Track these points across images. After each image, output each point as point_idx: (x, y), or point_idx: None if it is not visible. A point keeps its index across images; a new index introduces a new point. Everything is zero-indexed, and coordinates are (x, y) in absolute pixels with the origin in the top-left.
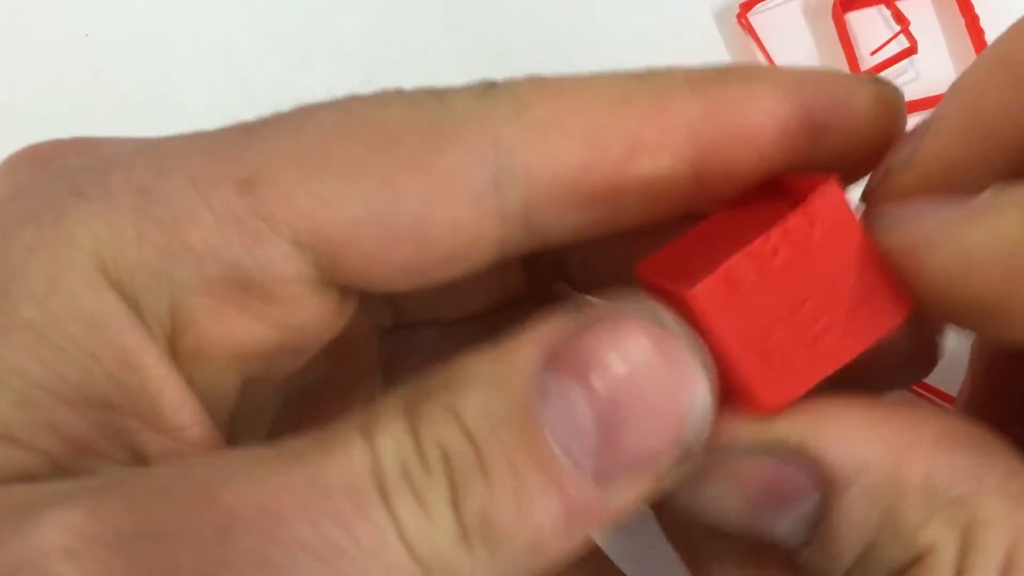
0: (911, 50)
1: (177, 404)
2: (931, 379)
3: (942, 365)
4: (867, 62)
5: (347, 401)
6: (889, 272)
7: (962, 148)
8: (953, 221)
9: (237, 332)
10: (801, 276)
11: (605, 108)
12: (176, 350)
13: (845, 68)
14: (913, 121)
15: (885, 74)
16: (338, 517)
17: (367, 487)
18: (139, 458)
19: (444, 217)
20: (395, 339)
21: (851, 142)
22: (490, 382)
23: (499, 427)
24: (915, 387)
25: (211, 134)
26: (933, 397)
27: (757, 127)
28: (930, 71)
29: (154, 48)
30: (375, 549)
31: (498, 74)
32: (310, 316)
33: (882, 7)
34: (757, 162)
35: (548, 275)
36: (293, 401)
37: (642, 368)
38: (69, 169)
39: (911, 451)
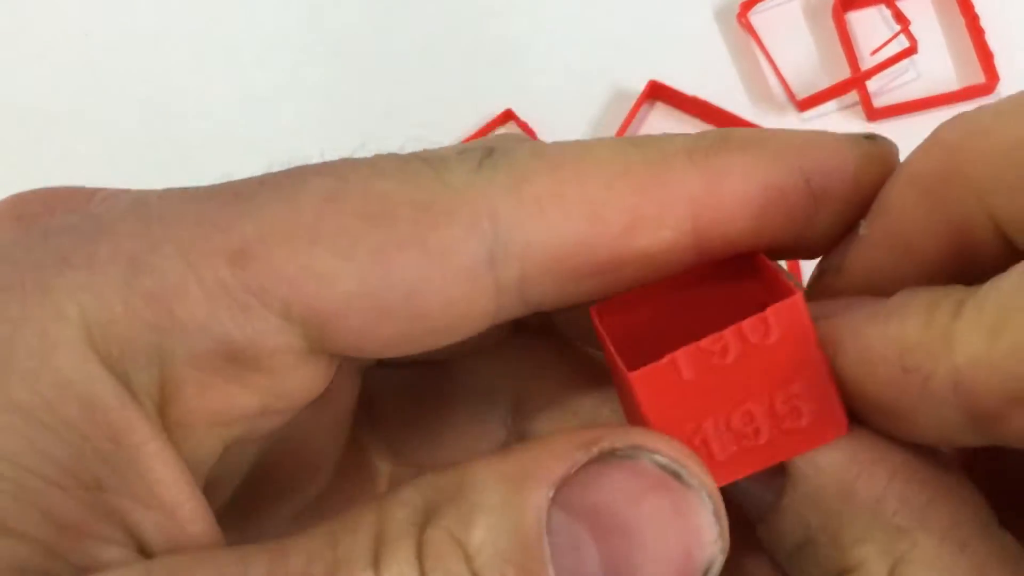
0: (911, 50)
1: (169, 481)
2: None
3: None
4: (867, 62)
5: (321, 444)
6: (835, 389)
7: (883, 258)
8: (859, 321)
9: (224, 402)
10: (745, 379)
11: (604, 182)
12: (164, 422)
13: (845, 67)
14: (914, 121)
15: (885, 73)
16: None
17: None
18: (134, 538)
19: (437, 293)
20: (377, 376)
21: (849, 204)
22: (500, 514)
23: (508, 568)
24: None
25: (202, 196)
26: None
27: (757, 198)
28: (930, 71)
29: (154, 48)
30: None
31: (498, 74)
32: (298, 383)
33: (882, 7)
34: (758, 230)
35: (533, 319)
36: (271, 448)
37: (657, 525)
38: (56, 231)
39: (871, 469)
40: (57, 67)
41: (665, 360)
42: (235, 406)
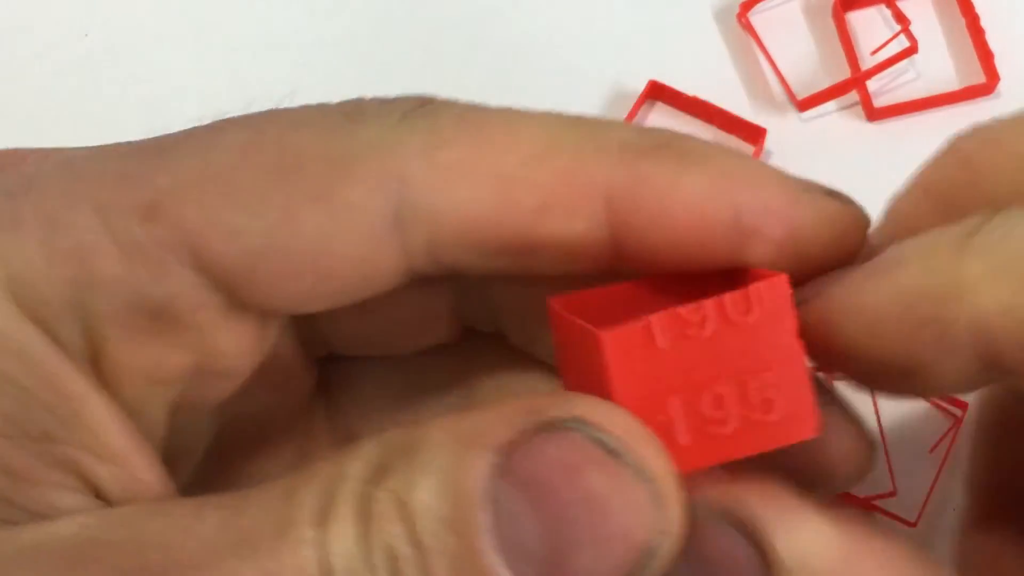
0: (911, 50)
1: (115, 431)
2: None
3: None
4: (867, 62)
5: (284, 428)
6: (811, 386)
7: None
8: (856, 283)
9: (154, 358)
10: (720, 357)
11: (521, 160)
12: (99, 378)
13: (845, 67)
14: (912, 121)
15: (885, 73)
16: None
17: None
18: (91, 486)
19: (343, 251)
20: (336, 369)
21: (785, 253)
22: (444, 478)
23: (446, 535)
24: None
25: (126, 153)
26: (949, 406)
27: (674, 215)
28: (930, 71)
29: (154, 48)
30: None
31: (497, 74)
32: (228, 341)
33: (882, 7)
34: (675, 249)
35: (480, 317)
36: (228, 427)
37: (595, 504)
38: None
39: (858, 561)
40: (57, 67)
41: (640, 323)
42: (167, 364)
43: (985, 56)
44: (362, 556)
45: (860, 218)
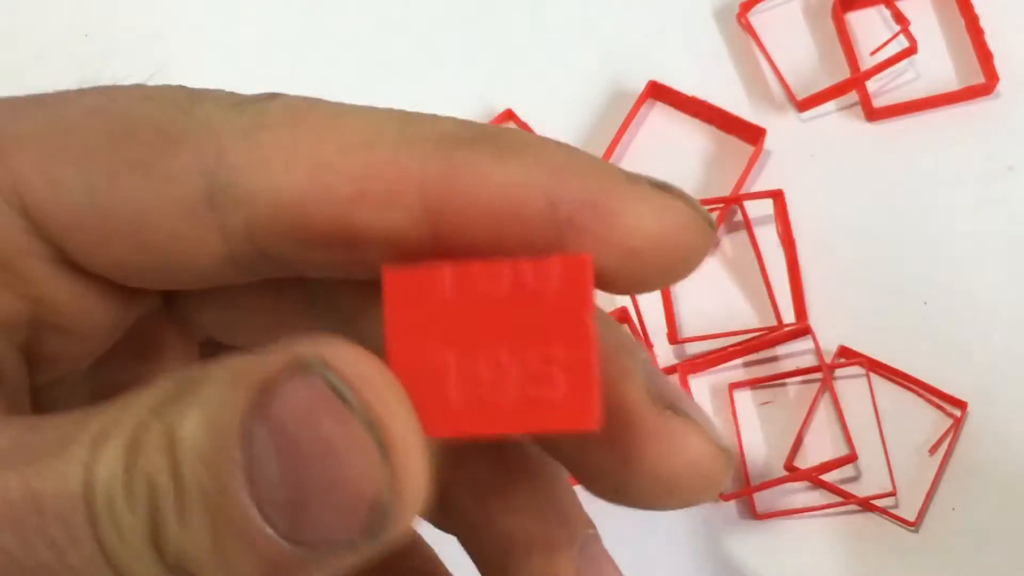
0: (911, 50)
1: None
2: (938, 383)
3: (951, 366)
4: (867, 62)
5: None
6: (597, 376)
7: None
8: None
9: None
10: (508, 321)
11: (339, 148)
12: None
13: (845, 68)
14: (911, 122)
15: (885, 73)
16: (48, 538)
17: (79, 512)
18: None
19: (157, 222)
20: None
21: (608, 245)
22: (209, 412)
23: (202, 470)
24: (924, 388)
25: None
26: (948, 406)
27: (487, 204)
28: (930, 71)
29: (154, 48)
30: None
31: (498, 74)
32: (65, 296)
33: (882, 7)
34: (492, 239)
35: (331, 317)
36: (103, 393)
37: (325, 450)
38: None
39: None
40: (57, 68)
41: (429, 268)
42: (1, 307)
43: (984, 56)
44: (124, 483)
45: (694, 215)
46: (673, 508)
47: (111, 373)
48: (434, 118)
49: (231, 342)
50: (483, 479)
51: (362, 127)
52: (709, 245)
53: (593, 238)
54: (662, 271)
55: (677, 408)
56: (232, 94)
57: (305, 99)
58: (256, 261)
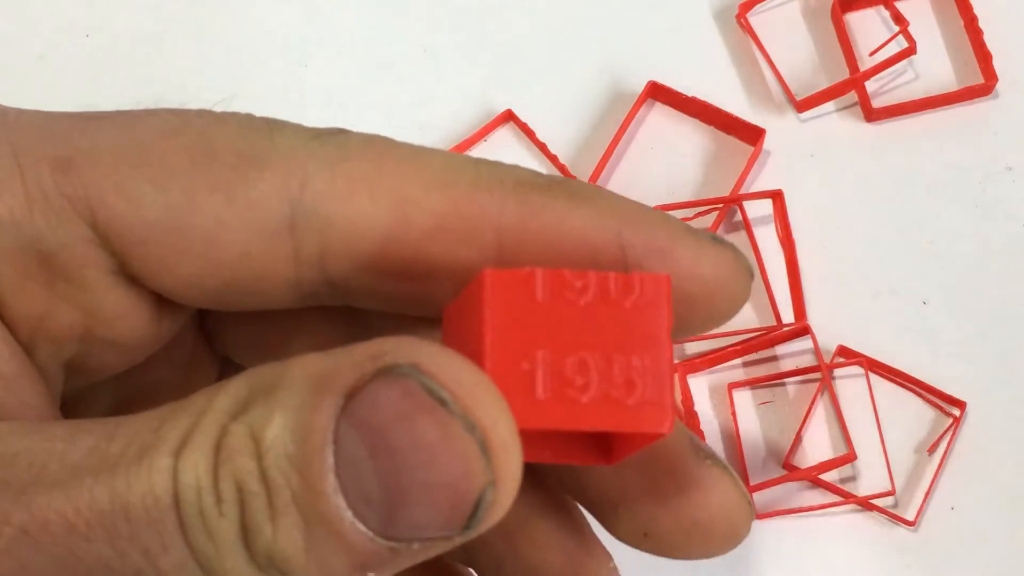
0: (910, 50)
1: (5, 354)
2: (937, 383)
3: (951, 366)
4: (866, 62)
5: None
6: (672, 385)
7: None
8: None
9: (42, 308)
10: (592, 328)
11: (421, 184)
12: None
13: (844, 68)
14: (911, 122)
15: (884, 74)
16: (141, 545)
17: (168, 518)
18: None
19: (234, 243)
20: (232, 374)
21: (674, 295)
22: (295, 416)
23: (291, 473)
24: (922, 387)
25: (58, 116)
26: (948, 406)
27: (563, 247)
28: (929, 71)
29: (154, 48)
30: None
31: (498, 74)
32: (119, 309)
33: (881, 7)
34: None
35: None
36: (129, 396)
37: (424, 451)
38: None
39: None
40: (57, 68)
41: (524, 270)
42: (55, 317)
43: (983, 57)
44: (210, 487)
45: (741, 265)
46: (694, 557)
47: (136, 377)
48: (505, 164)
49: (251, 365)
50: (510, 514)
51: (441, 167)
52: (749, 293)
53: None
54: (711, 314)
55: (715, 459)
56: (306, 127)
57: (381, 136)
58: (319, 288)
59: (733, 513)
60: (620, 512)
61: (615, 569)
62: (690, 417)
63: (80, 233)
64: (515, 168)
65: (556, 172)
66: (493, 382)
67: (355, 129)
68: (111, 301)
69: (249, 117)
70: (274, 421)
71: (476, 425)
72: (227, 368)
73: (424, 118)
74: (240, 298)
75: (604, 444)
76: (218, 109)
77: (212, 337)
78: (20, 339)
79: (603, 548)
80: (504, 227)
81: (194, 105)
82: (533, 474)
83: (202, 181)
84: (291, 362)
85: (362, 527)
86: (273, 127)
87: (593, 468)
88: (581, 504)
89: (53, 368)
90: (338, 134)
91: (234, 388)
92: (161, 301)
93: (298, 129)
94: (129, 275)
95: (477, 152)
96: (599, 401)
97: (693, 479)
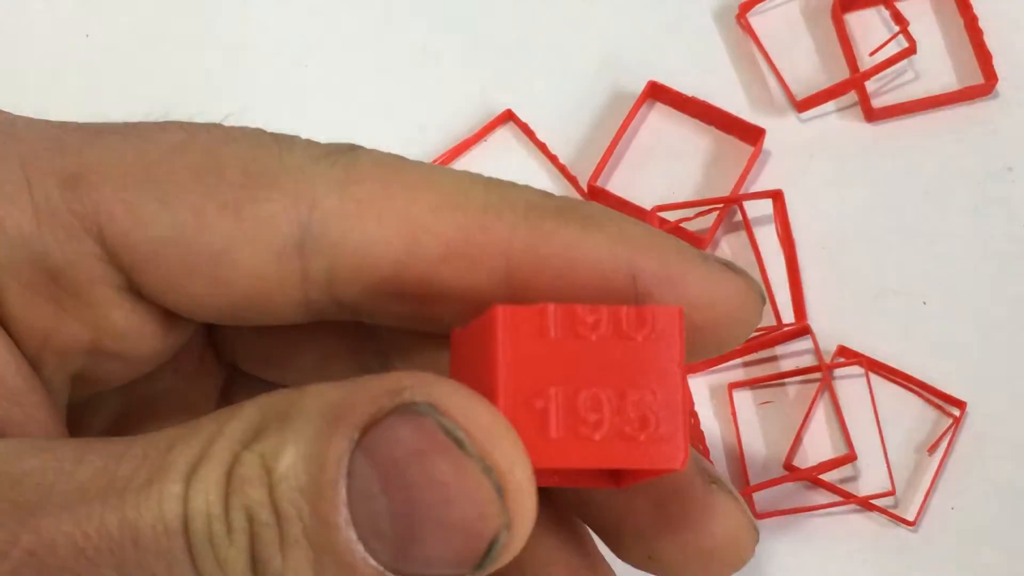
0: (910, 50)
1: (12, 367)
2: (937, 383)
3: (951, 366)
4: (866, 62)
5: (188, 415)
6: (686, 420)
7: None
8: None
9: (50, 322)
10: (605, 363)
11: (431, 207)
12: None
13: (844, 68)
14: (911, 122)
15: (884, 74)
16: (148, 571)
17: (177, 544)
18: None
19: (243, 261)
20: (241, 383)
21: (687, 324)
22: (308, 448)
23: (303, 504)
24: (923, 387)
25: (68, 127)
26: (947, 406)
27: (573, 274)
28: (929, 71)
29: (154, 50)
30: None
31: (498, 74)
32: (127, 324)
33: (881, 8)
34: None
35: (372, 366)
36: (134, 405)
37: (440, 490)
38: None
39: None
40: (58, 68)
41: (536, 306)
42: (62, 332)
43: (983, 57)
44: (221, 516)
45: (753, 291)
46: None
47: (142, 386)
48: (516, 185)
49: (258, 373)
50: None
51: (451, 189)
52: (761, 318)
53: None
54: (722, 341)
55: (721, 483)
56: (316, 143)
57: (391, 155)
58: (326, 306)
59: (738, 540)
60: (625, 534)
61: None
62: (690, 417)
63: (88, 249)
64: (526, 190)
65: (556, 172)
66: (510, 423)
67: (356, 129)
68: (119, 316)
69: (258, 133)
70: (287, 451)
71: (493, 468)
72: (233, 375)
73: (424, 118)
74: (248, 315)
75: (614, 469)
76: (228, 123)
77: (219, 346)
78: (27, 353)
79: (607, 566)
80: (514, 252)
81: (195, 108)
82: (540, 491)
83: (210, 199)
84: (305, 391)
85: (373, 561)
86: (282, 144)
87: (601, 490)
88: (587, 523)
89: (59, 381)
90: (348, 152)
91: (246, 414)
92: (169, 315)
93: (308, 146)
94: (137, 291)
95: (477, 152)
96: (612, 439)
97: (699, 505)
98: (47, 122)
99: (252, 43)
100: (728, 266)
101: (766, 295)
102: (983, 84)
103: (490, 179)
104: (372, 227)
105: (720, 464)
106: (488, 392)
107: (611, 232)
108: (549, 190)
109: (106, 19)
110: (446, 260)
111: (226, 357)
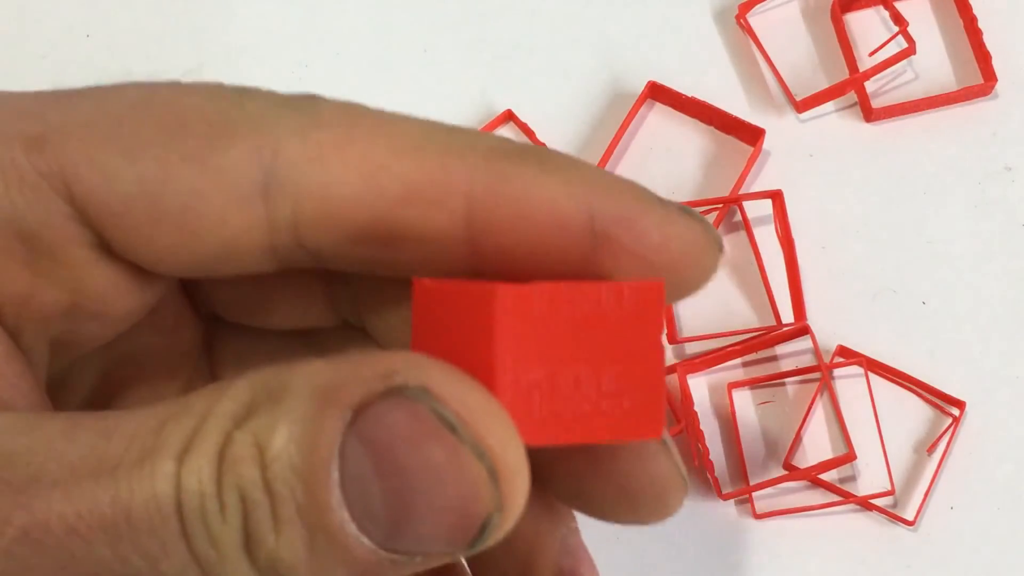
0: (909, 51)
1: None
2: (937, 383)
3: (950, 366)
4: (865, 62)
5: (169, 373)
6: (663, 393)
7: None
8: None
9: (27, 287)
10: (585, 339)
11: (392, 150)
12: None
13: (843, 68)
14: (910, 122)
15: (883, 74)
16: (142, 549)
17: (170, 523)
18: None
19: (209, 212)
20: (222, 334)
21: (635, 260)
22: (301, 427)
23: (296, 484)
24: (922, 387)
25: (31, 95)
26: (947, 405)
27: (532, 214)
28: (928, 71)
29: (154, 48)
30: None
31: (498, 74)
32: (103, 283)
33: (881, 8)
34: (530, 249)
35: (348, 311)
36: (115, 365)
37: (433, 474)
38: None
39: None
40: (58, 68)
41: (527, 286)
42: (39, 296)
43: (983, 57)
44: (214, 494)
45: (710, 235)
46: (623, 523)
47: (122, 345)
48: (478, 132)
49: (237, 320)
50: None
51: (412, 132)
52: (718, 266)
53: (624, 252)
54: (679, 286)
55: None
56: (277, 93)
57: (353, 103)
58: (293, 252)
59: (665, 486)
60: (555, 468)
61: (575, 529)
62: (690, 417)
63: (58, 209)
64: (488, 136)
65: None
66: (502, 405)
67: None
68: (94, 275)
69: (219, 86)
70: (279, 431)
71: (486, 452)
72: (216, 325)
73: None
74: (218, 266)
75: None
76: (187, 79)
77: (196, 298)
78: (6, 323)
79: (568, 511)
80: (474, 194)
81: None
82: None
83: (174, 151)
84: (296, 369)
85: (366, 540)
86: (244, 94)
87: None
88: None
89: (39, 348)
90: (309, 100)
91: (237, 392)
92: (141, 272)
93: (269, 96)
94: (108, 249)
95: None
96: (591, 415)
97: (630, 447)
98: (8, 92)
99: (252, 43)
100: (686, 211)
101: (723, 243)
102: (982, 84)
103: (454, 126)
104: (335, 170)
105: (720, 464)
106: (479, 371)
107: (570, 174)
108: None
109: (106, 19)
110: (407, 201)
111: (205, 309)
